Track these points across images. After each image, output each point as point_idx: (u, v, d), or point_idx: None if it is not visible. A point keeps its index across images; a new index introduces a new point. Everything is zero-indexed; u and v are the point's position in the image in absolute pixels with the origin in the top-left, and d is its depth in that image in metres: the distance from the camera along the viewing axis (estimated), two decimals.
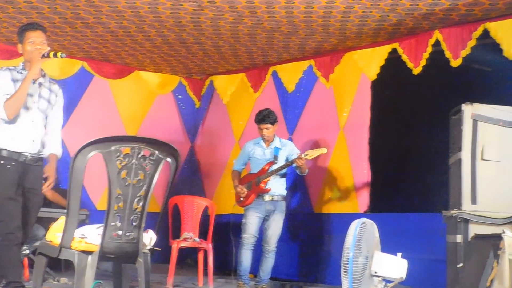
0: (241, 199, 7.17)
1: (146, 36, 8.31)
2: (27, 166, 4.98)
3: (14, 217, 4.83)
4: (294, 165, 7.07)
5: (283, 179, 7.29)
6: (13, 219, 4.83)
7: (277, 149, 7.24)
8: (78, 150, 3.68)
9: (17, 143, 4.93)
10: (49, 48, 4.92)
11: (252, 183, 7.13)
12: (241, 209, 7.34)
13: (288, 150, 7.28)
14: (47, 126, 5.20)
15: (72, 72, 9.33)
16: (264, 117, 7.27)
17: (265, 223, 7.09)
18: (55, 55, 4.89)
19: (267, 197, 7.09)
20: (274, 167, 7.10)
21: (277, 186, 7.15)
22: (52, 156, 5.23)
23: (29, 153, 4.98)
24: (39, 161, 5.13)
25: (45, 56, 4.86)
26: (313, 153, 7.06)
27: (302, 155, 6.96)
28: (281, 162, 7.14)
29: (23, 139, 4.96)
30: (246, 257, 7.01)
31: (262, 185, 7.07)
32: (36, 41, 4.97)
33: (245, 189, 7.13)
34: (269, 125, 7.21)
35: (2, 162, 4.88)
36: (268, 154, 7.25)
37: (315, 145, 7.77)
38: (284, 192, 7.26)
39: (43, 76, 5.17)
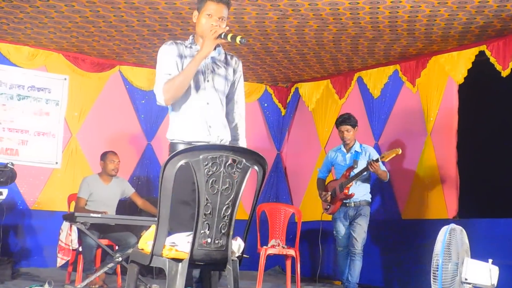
0: (328, 206, 7.20)
1: (231, 45, 8.41)
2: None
3: (183, 225, 3.92)
4: (372, 173, 7.09)
5: (367, 184, 7.26)
6: (181, 228, 3.90)
7: (357, 154, 7.24)
8: (167, 159, 3.61)
9: (190, 132, 4.28)
10: (228, 28, 4.21)
11: (336, 190, 7.15)
12: (329, 216, 7.38)
13: (368, 154, 7.25)
14: (232, 113, 4.53)
15: None
16: (344, 119, 7.31)
17: (350, 228, 7.08)
18: (233, 38, 4.11)
19: (349, 203, 7.10)
20: (355, 171, 7.10)
21: (360, 191, 7.14)
22: None
23: (208, 142, 4.22)
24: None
25: (221, 37, 4.12)
26: (388, 155, 7.03)
27: (373, 160, 6.95)
28: (361, 166, 7.11)
29: (198, 126, 4.29)
30: (342, 263, 7.15)
31: (345, 191, 7.06)
32: (214, 15, 4.26)
33: (328, 196, 7.15)
34: (349, 127, 7.23)
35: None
36: (348, 159, 7.27)
37: (394, 147, 7.69)
38: (368, 197, 7.24)
39: (216, 48, 4.38)
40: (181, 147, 4.16)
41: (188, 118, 4.29)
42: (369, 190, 7.27)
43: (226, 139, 4.35)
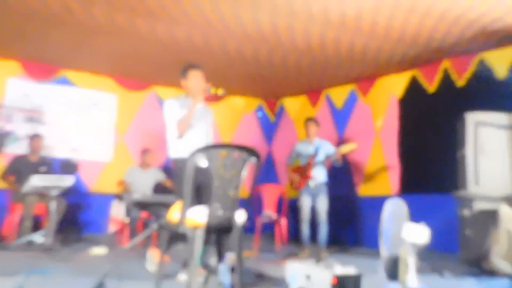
0: (296, 184, 7.09)
1: (233, 69, 8.46)
2: (199, 168, 4.51)
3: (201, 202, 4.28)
4: (332, 160, 6.97)
5: (324, 169, 7.08)
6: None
7: (317, 146, 7.15)
8: (189, 155, 3.70)
9: (186, 152, 4.43)
10: (209, 85, 4.65)
11: (301, 173, 7.06)
12: None
13: (326, 147, 7.16)
14: (207, 138, 4.89)
15: None
16: (311, 118, 7.36)
17: (314, 202, 6.96)
18: (214, 91, 4.63)
19: (312, 183, 6.99)
20: (315, 160, 7.01)
21: (319, 174, 7.02)
22: None
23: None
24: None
25: (207, 91, 4.62)
26: (346, 147, 6.96)
27: (337, 150, 6.89)
28: (321, 155, 7.03)
29: (191, 149, 4.44)
30: (305, 229, 6.98)
31: (308, 173, 6.99)
32: (198, 78, 4.72)
33: (297, 178, 7.07)
34: (313, 123, 7.23)
35: (180, 167, 4.35)
36: (311, 149, 7.15)
37: (349, 142, 7.69)
38: (325, 179, 7.07)
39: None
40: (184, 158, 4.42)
41: (185, 144, 4.59)
42: (325, 174, 7.11)
43: None
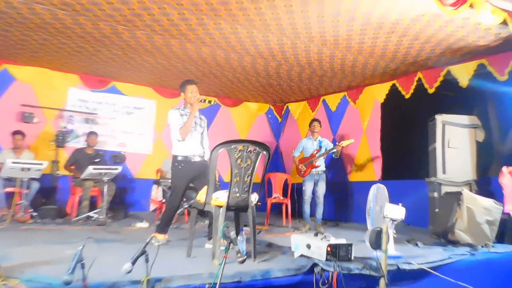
0: (302, 172, 7.07)
1: (248, 80, 8.46)
2: (193, 163, 4.72)
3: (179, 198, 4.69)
4: (331, 152, 6.95)
5: (324, 160, 7.08)
6: (178, 200, 4.69)
7: (320, 142, 7.13)
8: (213, 148, 3.70)
9: (185, 151, 4.70)
10: (204, 96, 4.70)
11: (307, 163, 7.03)
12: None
13: (326, 143, 7.15)
14: (203, 142, 4.91)
15: (207, 105, 9.47)
16: (316, 119, 7.31)
17: (315, 187, 6.94)
18: (209, 102, 4.76)
19: (314, 171, 6.96)
20: (320, 153, 7.01)
21: (321, 164, 7.01)
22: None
23: (193, 155, 4.72)
24: (201, 158, 4.81)
25: (202, 101, 4.68)
26: (345, 142, 6.94)
27: (340, 144, 6.85)
28: (322, 150, 7.02)
29: (189, 149, 4.72)
30: (307, 209, 6.97)
31: (314, 163, 6.96)
32: (193, 91, 4.78)
33: (304, 167, 7.05)
34: (317, 123, 7.19)
35: (176, 164, 4.71)
36: (315, 145, 7.13)
37: (347, 138, 7.69)
38: (325, 168, 7.06)
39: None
40: (180, 158, 4.68)
41: (184, 145, 4.69)
42: (325, 164, 7.09)
43: (201, 154, 4.80)
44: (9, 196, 6.53)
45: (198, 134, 4.82)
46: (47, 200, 7.41)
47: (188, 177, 4.70)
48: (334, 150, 6.91)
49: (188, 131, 4.66)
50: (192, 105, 4.68)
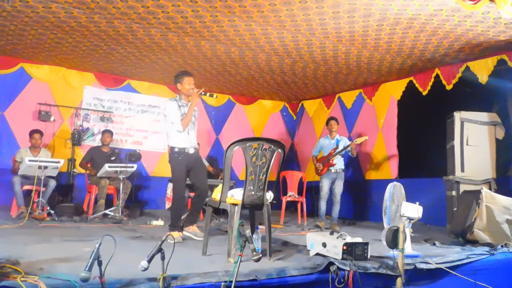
0: (319, 171, 7.10)
1: (263, 78, 8.48)
2: (190, 155, 4.86)
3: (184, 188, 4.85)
4: (347, 151, 6.95)
5: (342, 159, 7.09)
6: (183, 190, 4.84)
7: (337, 140, 7.12)
8: (228, 146, 3.68)
9: (183, 143, 4.82)
10: (203, 89, 4.80)
11: (325, 161, 7.04)
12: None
13: (343, 141, 7.13)
14: (195, 130, 5.03)
15: (222, 102, 9.55)
16: (333, 117, 7.31)
17: (332, 185, 6.95)
18: (210, 95, 4.87)
19: (333, 169, 6.97)
20: (337, 151, 6.99)
21: (339, 162, 7.01)
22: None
23: (190, 147, 4.87)
24: (195, 150, 4.96)
25: (202, 94, 4.77)
26: (360, 139, 6.96)
27: (354, 142, 6.86)
28: (340, 148, 7.01)
29: (186, 141, 4.85)
30: (323, 206, 6.93)
31: (331, 161, 6.95)
32: (191, 83, 4.86)
33: (321, 165, 7.07)
34: (334, 122, 7.20)
35: (176, 155, 4.81)
36: (332, 144, 7.13)
37: (363, 135, 7.66)
38: (343, 166, 7.07)
39: None
40: (177, 149, 4.79)
41: (182, 136, 4.81)
42: (343, 163, 7.12)
43: (196, 146, 4.95)
44: (27, 194, 6.63)
45: (194, 126, 4.96)
46: (64, 198, 7.52)
47: (186, 168, 4.84)
48: (349, 148, 6.90)
49: (189, 123, 4.80)
50: (192, 97, 4.78)
